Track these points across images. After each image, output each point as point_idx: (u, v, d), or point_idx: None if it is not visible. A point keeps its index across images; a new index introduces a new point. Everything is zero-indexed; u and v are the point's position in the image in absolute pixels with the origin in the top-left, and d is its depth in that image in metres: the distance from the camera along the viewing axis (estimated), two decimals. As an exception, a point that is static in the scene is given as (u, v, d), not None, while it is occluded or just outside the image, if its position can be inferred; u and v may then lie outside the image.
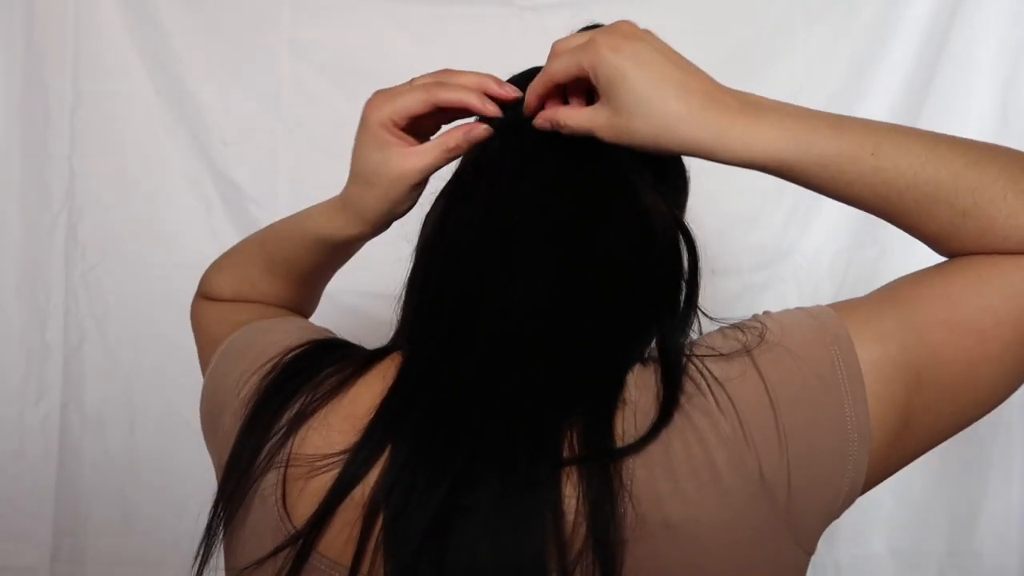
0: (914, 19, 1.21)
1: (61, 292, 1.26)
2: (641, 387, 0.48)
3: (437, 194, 0.59)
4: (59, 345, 1.27)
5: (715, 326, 0.52)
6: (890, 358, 0.47)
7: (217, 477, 0.55)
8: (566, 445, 0.46)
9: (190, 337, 0.73)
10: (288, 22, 1.26)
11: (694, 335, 0.53)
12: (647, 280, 0.53)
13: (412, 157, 0.57)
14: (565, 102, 0.56)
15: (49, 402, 1.27)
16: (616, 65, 0.50)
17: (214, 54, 1.26)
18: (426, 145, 0.58)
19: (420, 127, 0.59)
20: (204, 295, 0.75)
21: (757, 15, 1.25)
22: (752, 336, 0.48)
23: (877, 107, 1.22)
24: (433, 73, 0.58)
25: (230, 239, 0.76)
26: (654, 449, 0.45)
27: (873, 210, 0.50)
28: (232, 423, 0.53)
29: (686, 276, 0.55)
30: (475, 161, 0.57)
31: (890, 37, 1.22)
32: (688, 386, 0.47)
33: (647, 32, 0.52)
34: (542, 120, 0.55)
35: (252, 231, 0.76)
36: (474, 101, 0.56)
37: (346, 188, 0.61)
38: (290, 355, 0.55)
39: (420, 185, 0.59)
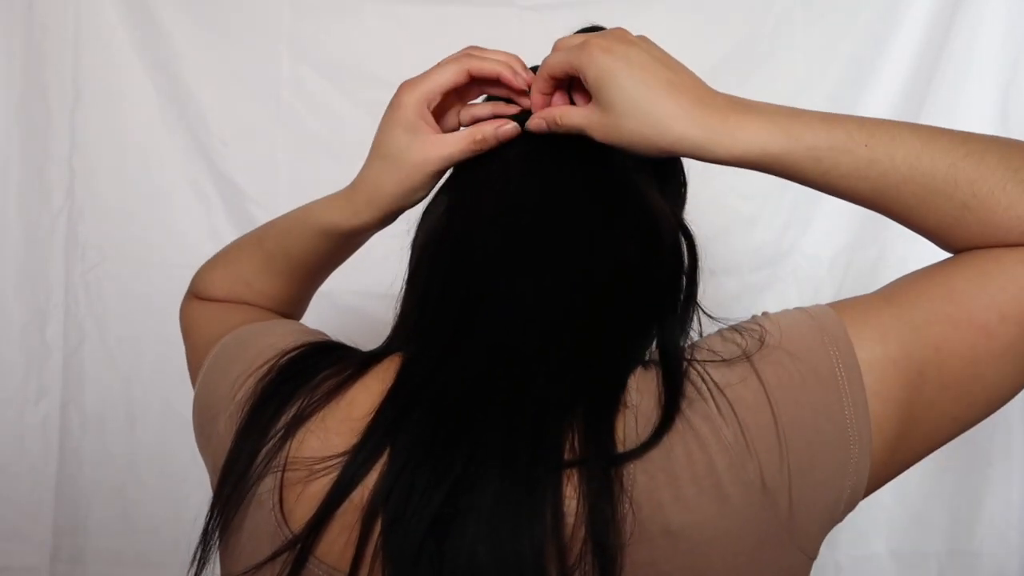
0: (914, 19, 1.21)
1: (61, 292, 1.27)
2: (643, 391, 0.48)
3: (436, 192, 0.59)
4: (59, 345, 1.27)
5: (715, 326, 0.52)
6: (890, 357, 0.46)
7: (212, 482, 0.54)
8: (567, 447, 0.45)
9: (189, 337, 0.73)
10: (288, 22, 1.26)
11: (694, 335, 0.53)
12: (651, 281, 0.53)
13: (439, 144, 0.57)
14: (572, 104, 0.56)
15: (49, 402, 1.27)
16: (607, 66, 0.50)
17: (214, 54, 1.26)
18: (455, 134, 0.58)
19: (447, 106, 0.59)
20: (196, 295, 0.74)
21: (757, 15, 1.24)
22: (751, 340, 0.48)
23: (877, 107, 1.22)
24: (461, 50, 0.59)
25: (230, 239, 0.76)
26: (655, 454, 0.44)
27: (872, 205, 0.50)
28: (227, 427, 0.53)
29: (686, 277, 0.55)
30: (480, 159, 0.57)
31: (890, 37, 1.22)
32: (689, 391, 0.46)
33: (642, 38, 0.53)
34: (537, 120, 0.55)
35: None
36: (507, 72, 0.56)
37: (362, 171, 0.61)
38: (286, 357, 0.54)
39: (439, 174, 0.59)
